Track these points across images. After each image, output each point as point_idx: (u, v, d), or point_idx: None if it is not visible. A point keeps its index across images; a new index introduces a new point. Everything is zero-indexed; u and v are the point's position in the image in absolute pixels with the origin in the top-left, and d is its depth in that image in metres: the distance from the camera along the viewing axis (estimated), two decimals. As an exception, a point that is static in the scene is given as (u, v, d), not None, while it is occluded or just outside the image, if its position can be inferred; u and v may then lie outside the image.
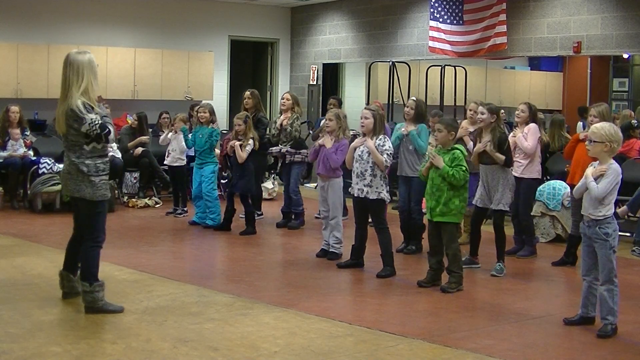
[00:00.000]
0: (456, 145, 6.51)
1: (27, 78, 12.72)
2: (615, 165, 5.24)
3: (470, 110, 8.34)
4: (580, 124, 14.03)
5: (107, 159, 5.50)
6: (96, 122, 5.24)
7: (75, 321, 5.21)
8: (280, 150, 9.24)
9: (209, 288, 6.30)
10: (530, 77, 17.19)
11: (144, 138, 11.22)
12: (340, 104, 10.80)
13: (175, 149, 10.03)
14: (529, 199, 7.91)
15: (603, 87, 16.03)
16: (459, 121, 8.54)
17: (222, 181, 11.97)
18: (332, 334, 5.10)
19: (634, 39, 10.02)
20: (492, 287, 6.61)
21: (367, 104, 14.59)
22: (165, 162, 10.31)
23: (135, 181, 11.12)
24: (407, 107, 8.06)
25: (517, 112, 7.88)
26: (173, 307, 5.69)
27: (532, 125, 7.77)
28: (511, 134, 7.84)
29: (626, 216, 8.77)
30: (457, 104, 13.24)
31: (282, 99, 9.60)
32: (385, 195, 6.85)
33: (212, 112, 9.34)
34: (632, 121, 10.84)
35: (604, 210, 5.22)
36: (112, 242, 7.95)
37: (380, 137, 6.84)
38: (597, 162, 5.38)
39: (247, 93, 9.80)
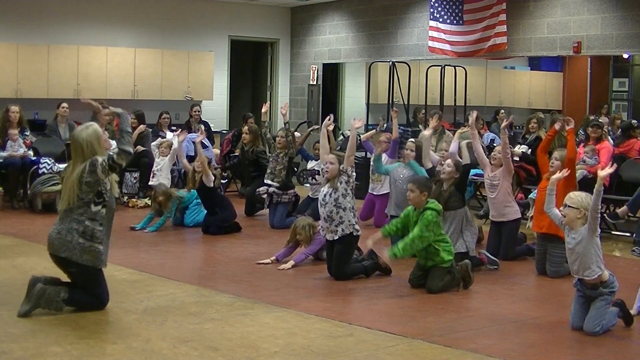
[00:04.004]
0: (429, 205, 6.35)
1: (27, 78, 12.72)
2: (584, 231, 5.25)
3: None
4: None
5: (103, 229, 5.44)
6: (105, 162, 5.30)
7: (75, 321, 5.21)
8: (268, 190, 9.34)
9: (209, 288, 6.30)
10: (530, 77, 17.18)
11: (142, 127, 11.25)
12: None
13: (162, 171, 10.08)
14: (512, 241, 7.66)
15: (603, 87, 16.03)
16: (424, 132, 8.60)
17: (222, 181, 11.98)
18: (332, 334, 5.10)
19: (634, 39, 10.02)
20: (491, 287, 6.61)
21: (367, 104, 14.64)
22: (150, 183, 10.23)
23: (135, 181, 11.12)
24: (407, 149, 8.16)
25: (493, 153, 7.78)
26: (173, 307, 5.69)
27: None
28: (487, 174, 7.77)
29: (626, 216, 8.77)
30: (457, 104, 13.23)
31: (277, 136, 9.60)
32: (355, 228, 6.75)
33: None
34: (632, 121, 10.87)
35: (596, 269, 5.24)
36: (112, 242, 7.93)
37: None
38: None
39: (246, 128, 9.88)
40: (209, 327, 5.20)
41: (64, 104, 11.37)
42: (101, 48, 13.41)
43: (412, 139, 8.57)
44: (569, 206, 5.29)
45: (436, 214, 6.31)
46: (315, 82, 15.09)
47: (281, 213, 9.29)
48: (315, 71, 15.08)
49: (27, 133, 10.66)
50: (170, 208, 9.03)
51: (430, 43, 12.35)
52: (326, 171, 6.79)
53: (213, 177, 8.74)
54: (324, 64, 15.01)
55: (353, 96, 15.82)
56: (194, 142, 9.66)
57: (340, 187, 6.70)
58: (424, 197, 6.36)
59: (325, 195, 6.76)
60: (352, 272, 6.73)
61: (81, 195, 5.31)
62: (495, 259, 7.25)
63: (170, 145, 10.23)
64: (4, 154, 10.24)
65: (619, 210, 8.62)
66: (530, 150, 10.00)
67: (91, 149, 5.33)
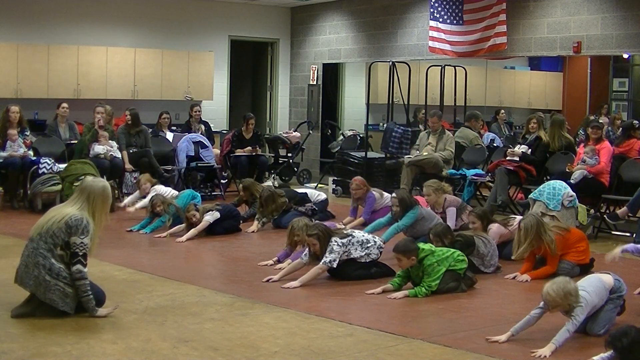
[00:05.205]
0: (421, 255, 6.20)
1: (27, 78, 12.72)
2: (581, 306, 5.03)
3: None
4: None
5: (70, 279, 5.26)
6: (85, 248, 5.20)
7: (75, 321, 5.21)
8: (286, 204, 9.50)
9: (209, 288, 6.30)
10: (530, 77, 17.21)
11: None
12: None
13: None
14: None
15: (603, 87, 16.06)
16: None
17: (222, 181, 11.99)
18: (332, 334, 5.10)
19: (634, 39, 10.02)
20: (491, 287, 6.61)
21: (367, 104, 14.64)
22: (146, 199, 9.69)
23: (135, 181, 11.12)
24: (392, 205, 7.99)
25: (469, 224, 7.71)
26: (173, 307, 5.69)
27: (494, 227, 7.57)
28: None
29: (626, 217, 8.76)
30: (457, 104, 13.24)
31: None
32: (375, 252, 6.75)
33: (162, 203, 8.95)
34: (633, 121, 10.87)
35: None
36: (112, 242, 7.97)
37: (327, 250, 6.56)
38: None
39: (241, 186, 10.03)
40: (209, 327, 5.20)
41: (64, 104, 11.38)
42: (101, 48, 13.41)
43: (394, 194, 8.12)
44: (554, 307, 5.05)
45: (430, 253, 6.23)
46: (315, 82, 15.09)
47: (292, 215, 9.22)
48: (315, 71, 15.08)
49: (27, 133, 10.66)
50: (168, 212, 8.92)
51: (431, 43, 12.35)
52: (314, 251, 6.60)
53: (209, 219, 8.56)
54: (324, 64, 15.01)
55: (353, 96, 15.83)
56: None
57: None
58: (413, 260, 6.18)
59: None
60: (357, 277, 6.71)
61: (55, 232, 5.21)
62: (498, 264, 7.25)
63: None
64: (4, 154, 10.24)
65: (618, 211, 8.61)
66: (530, 150, 10.01)
67: (93, 204, 5.31)
